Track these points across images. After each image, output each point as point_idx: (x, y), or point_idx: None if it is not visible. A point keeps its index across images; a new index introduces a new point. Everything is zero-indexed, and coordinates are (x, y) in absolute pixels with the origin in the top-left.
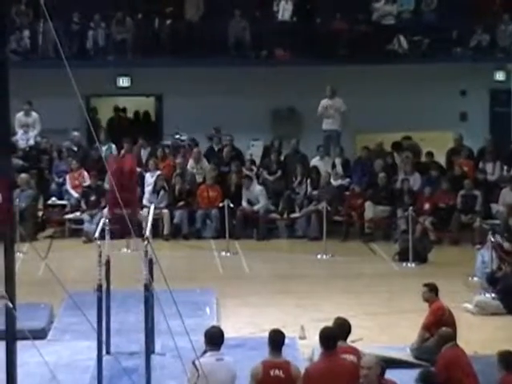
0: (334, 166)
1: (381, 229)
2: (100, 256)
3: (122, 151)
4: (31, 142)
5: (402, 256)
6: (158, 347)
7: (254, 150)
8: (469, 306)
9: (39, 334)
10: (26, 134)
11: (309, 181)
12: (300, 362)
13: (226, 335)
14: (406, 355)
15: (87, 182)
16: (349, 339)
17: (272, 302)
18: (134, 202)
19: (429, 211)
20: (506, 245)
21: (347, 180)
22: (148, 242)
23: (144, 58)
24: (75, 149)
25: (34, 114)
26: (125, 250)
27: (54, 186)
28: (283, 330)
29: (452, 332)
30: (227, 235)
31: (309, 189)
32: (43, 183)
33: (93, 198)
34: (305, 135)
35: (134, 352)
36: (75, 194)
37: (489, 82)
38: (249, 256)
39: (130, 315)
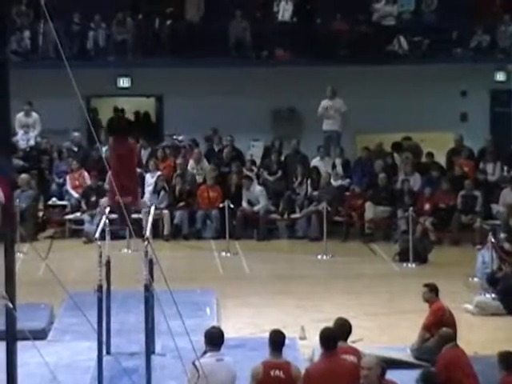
0: (334, 166)
1: (381, 229)
2: (100, 256)
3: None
4: (31, 142)
5: (403, 256)
6: (158, 348)
7: (254, 151)
8: (469, 306)
9: (39, 335)
10: (26, 135)
11: (309, 181)
12: (300, 362)
13: (226, 336)
14: (406, 356)
15: (88, 183)
16: (349, 340)
17: (272, 303)
18: (134, 189)
19: (429, 212)
20: (507, 245)
21: (347, 180)
22: (148, 242)
23: (144, 59)
24: (75, 149)
25: (34, 114)
26: (125, 250)
27: (54, 187)
28: (283, 331)
29: (452, 332)
30: (227, 236)
31: (309, 189)
32: (44, 184)
33: (93, 198)
34: (305, 136)
35: (135, 352)
36: (75, 195)
37: (489, 83)
38: (249, 256)
39: (131, 316)
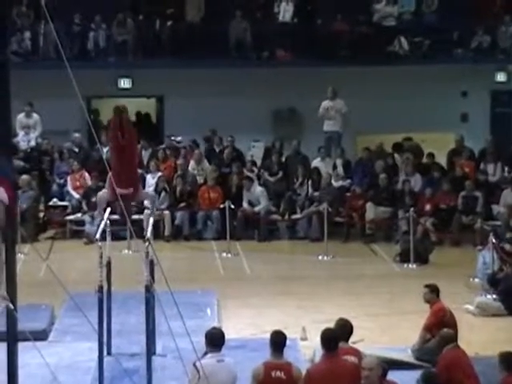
0: (335, 167)
1: (382, 230)
2: (101, 257)
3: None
4: (32, 143)
5: (403, 257)
6: (159, 348)
7: (254, 151)
8: (470, 307)
9: (40, 336)
10: (27, 136)
11: (310, 182)
12: (301, 363)
13: (227, 336)
14: (407, 356)
15: (88, 183)
16: (350, 340)
17: (273, 304)
18: (135, 181)
19: (430, 212)
20: (507, 246)
21: (348, 181)
22: (149, 243)
23: (145, 60)
24: (76, 150)
25: (35, 115)
26: (126, 251)
27: (55, 188)
28: (284, 332)
29: (453, 333)
30: (228, 236)
31: (310, 190)
32: (44, 184)
33: (94, 199)
34: (306, 136)
35: (135, 353)
36: (76, 196)
37: (490, 83)
38: (250, 257)
39: (131, 316)
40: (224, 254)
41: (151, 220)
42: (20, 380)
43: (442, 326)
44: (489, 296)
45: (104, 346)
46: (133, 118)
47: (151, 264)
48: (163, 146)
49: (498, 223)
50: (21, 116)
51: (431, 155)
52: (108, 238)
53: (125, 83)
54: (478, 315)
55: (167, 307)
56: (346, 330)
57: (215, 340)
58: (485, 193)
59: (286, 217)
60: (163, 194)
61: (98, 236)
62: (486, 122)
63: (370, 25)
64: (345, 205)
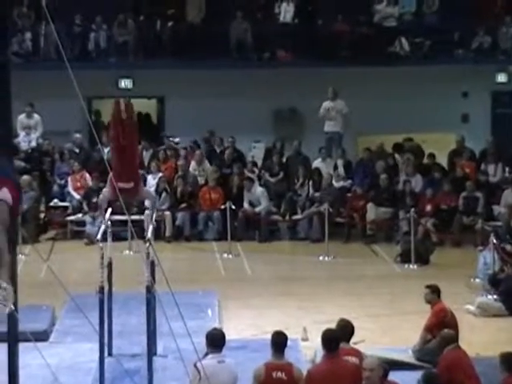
0: (335, 167)
1: (383, 230)
2: (102, 258)
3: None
4: (33, 143)
5: (404, 258)
6: (159, 349)
7: (255, 152)
8: (471, 307)
9: (41, 336)
10: (27, 136)
11: (311, 182)
12: (302, 363)
13: (228, 337)
14: (407, 357)
15: (89, 184)
16: (351, 341)
17: (274, 304)
18: (136, 176)
19: (431, 213)
20: (508, 246)
21: (349, 182)
22: (150, 243)
23: (146, 60)
24: (77, 151)
25: (35, 115)
26: (127, 251)
27: (55, 188)
28: (285, 332)
29: (454, 334)
30: (229, 237)
31: (311, 190)
32: (45, 185)
33: (95, 199)
34: (307, 137)
35: (136, 354)
36: (77, 196)
37: (490, 84)
38: (251, 258)
39: (132, 317)
40: (225, 255)
41: (152, 221)
42: (21, 381)
43: (442, 327)
44: (490, 296)
45: (105, 346)
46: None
47: (152, 265)
48: (163, 146)
49: (499, 224)
50: (22, 117)
51: (432, 156)
52: (109, 238)
53: (125, 84)
54: (479, 316)
55: (168, 308)
56: (348, 330)
57: (216, 341)
58: (485, 193)
59: (287, 217)
60: (164, 194)
61: (98, 237)
62: (486, 123)
63: (371, 25)
64: (346, 205)
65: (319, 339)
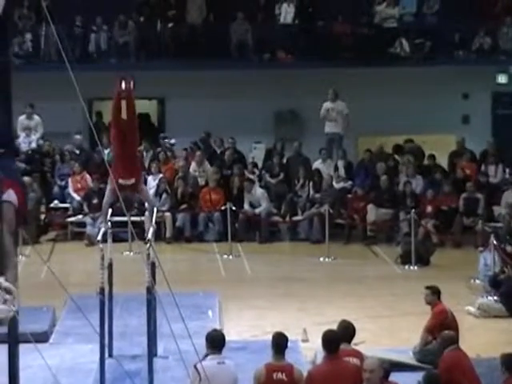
0: (336, 168)
1: (383, 231)
2: (102, 259)
3: None
4: (33, 145)
5: (405, 259)
6: (160, 350)
7: (256, 153)
8: (471, 308)
9: (41, 337)
10: (28, 137)
11: (311, 184)
12: (303, 365)
13: (228, 338)
14: (408, 358)
15: (90, 185)
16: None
17: (274, 305)
18: (137, 170)
19: (431, 214)
20: (509, 248)
21: (349, 183)
22: (150, 244)
23: (146, 61)
24: (78, 152)
25: (36, 117)
26: (127, 252)
27: (56, 189)
28: (286, 333)
29: (454, 335)
30: (229, 238)
31: (311, 192)
32: (46, 186)
33: (95, 200)
34: (307, 138)
35: (137, 355)
36: (77, 197)
37: (491, 85)
38: (251, 259)
39: (133, 318)
40: (225, 256)
41: (153, 222)
42: (21, 382)
43: (443, 328)
44: (490, 298)
45: (105, 347)
46: None
47: (152, 266)
48: (159, 148)
49: (500, 225)
50: (22, 118)
51: (432, 157)
52: (109, 239)
53: None
54: (480, 317)
55: (168, 309)
56: (349, 331)
57: (216, 342)
58: (486, 194)
59: (287, 218)
60: (164, 195)
61: (99, 238)
62: (487, 124)
63: (371, 26)
64: (346, 206)
65: (319, 340)
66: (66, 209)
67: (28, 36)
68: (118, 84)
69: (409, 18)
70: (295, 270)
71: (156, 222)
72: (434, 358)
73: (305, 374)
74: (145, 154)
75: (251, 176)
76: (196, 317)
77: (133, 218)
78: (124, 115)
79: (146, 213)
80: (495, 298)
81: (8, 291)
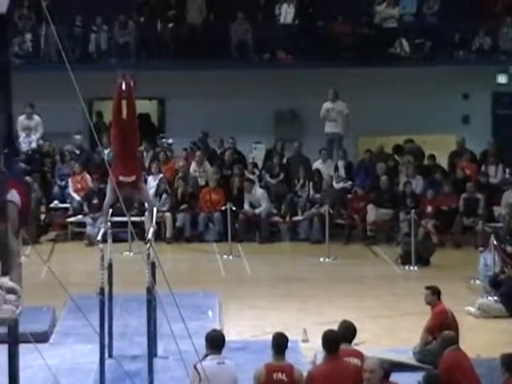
0: (336, 168)
1: (383, 232)
2: (102, 259)
3: None
4: (33, 145)
5: (405, 259)
6: (160, 350)
7: (256, 153)
8: (471, 308)
9: (41, 338)
10: (28, 137)
11: (311, 184)
12: (303, 365)
13: (228, 338)
14: (408, 358)
15: (90, 185)
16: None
17: (274, 305)
18: (136, 167)
19: (431, 214)
20: (509, 248)
21: (349, 183)
22: (150, 245)
23: (146, 61)
24: (78, 152)
25: (36, 117)
26: (127, 253)
27: (56, 189)
28: (286, 334)
29: (454, 335)
30: (230, 238)
31: (311, 192)
32: (46, 186)
33: (95, 201)
34: (307, 138)
35: (137, 355)
36: (77, 197)
37: (491, 85)
38: (251, 259)
39: (133, 318)
40: (225, 256)
41: (153, 222)
42: (21, 382)
43: (443, 328)
44: (490, 298)
45: (105, 348)
46: None
47: (153, 266)
48: (159, 149)
49: (500, 225)
50: (22, 118)
51: (432, 157)
52: (109, 239)
53: None
54: (480, 317)
55: (169, 309)
56: (350, 332)
57: (215, 342)
58: (486, 195)
59: (288, 219)
60: (164, 195)
61: (99, 238)
62: (487, 124)
63: (371, 26)
64: (346, 207)
65: (319, 340)
66: (66, 209)
67: (28, 36)
68: (119, 84)
69: (409, 18)
70: (295, 270)
71: (156, 222)
72: (434, 359)
73: (305, 374)
74: (145, 154)
75: (251, 176)
76: (196, 317)
77: (133, 218)
78: (124, 115)
79: (146, 213)
80: (495, 298)
81: (13, 291)
